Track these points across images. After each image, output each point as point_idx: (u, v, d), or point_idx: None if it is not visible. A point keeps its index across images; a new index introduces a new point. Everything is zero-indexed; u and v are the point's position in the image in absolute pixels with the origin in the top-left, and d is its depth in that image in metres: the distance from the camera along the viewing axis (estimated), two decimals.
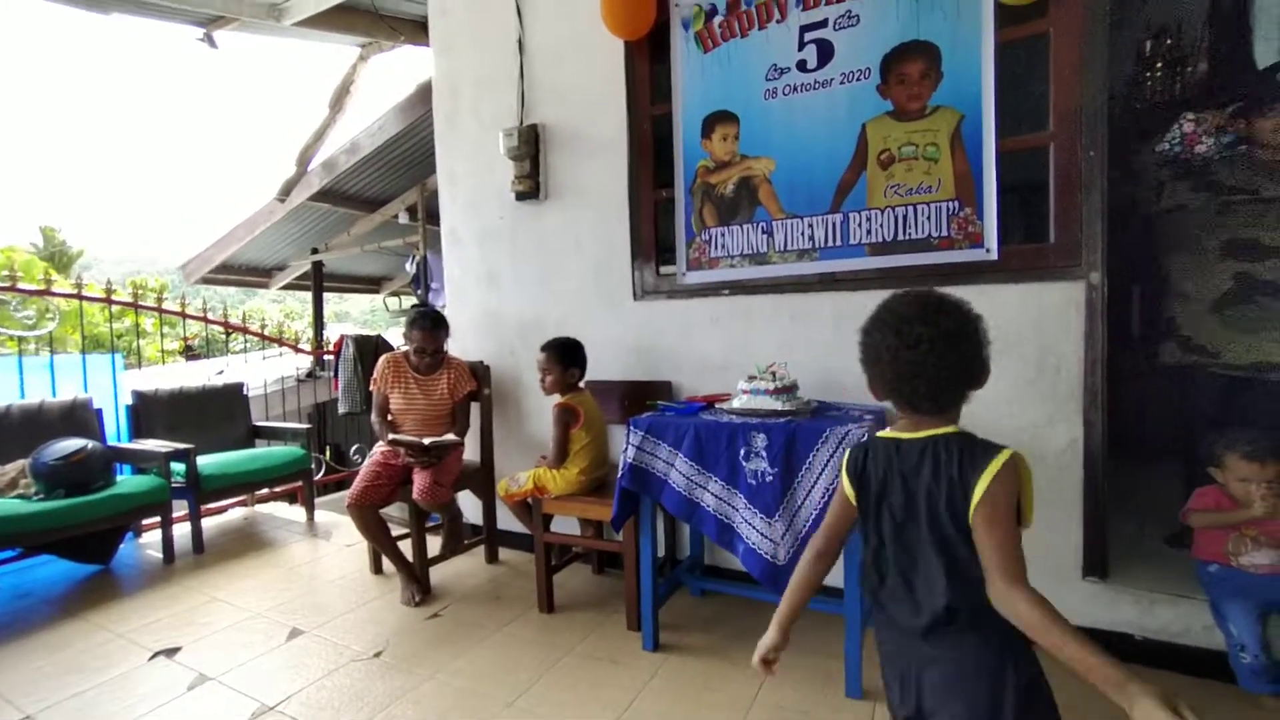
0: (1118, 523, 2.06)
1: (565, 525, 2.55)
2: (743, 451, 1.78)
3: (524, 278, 2.87)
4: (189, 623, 2.30)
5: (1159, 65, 3.21)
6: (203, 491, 3.06)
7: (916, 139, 2.03)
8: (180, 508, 3.06)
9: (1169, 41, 3.21)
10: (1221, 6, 2.99)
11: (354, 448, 4.58)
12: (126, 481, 2.84)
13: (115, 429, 3.35)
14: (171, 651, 2.08)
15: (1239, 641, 1.57)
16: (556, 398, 2.34)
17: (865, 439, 1.09)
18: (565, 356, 2.33)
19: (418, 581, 2.43)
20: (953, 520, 0.90)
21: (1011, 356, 1.94)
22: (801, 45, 2.19)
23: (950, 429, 0.97)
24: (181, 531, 3.08)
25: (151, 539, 3.22)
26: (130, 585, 2.68)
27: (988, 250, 1.96)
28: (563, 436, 2.26)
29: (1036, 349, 1.92)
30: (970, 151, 1.96)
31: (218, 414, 3.61)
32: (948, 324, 0.94)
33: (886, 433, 1.05)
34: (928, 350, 0.92)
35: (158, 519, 2.91)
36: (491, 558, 2.83)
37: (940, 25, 1.98)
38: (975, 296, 1.91)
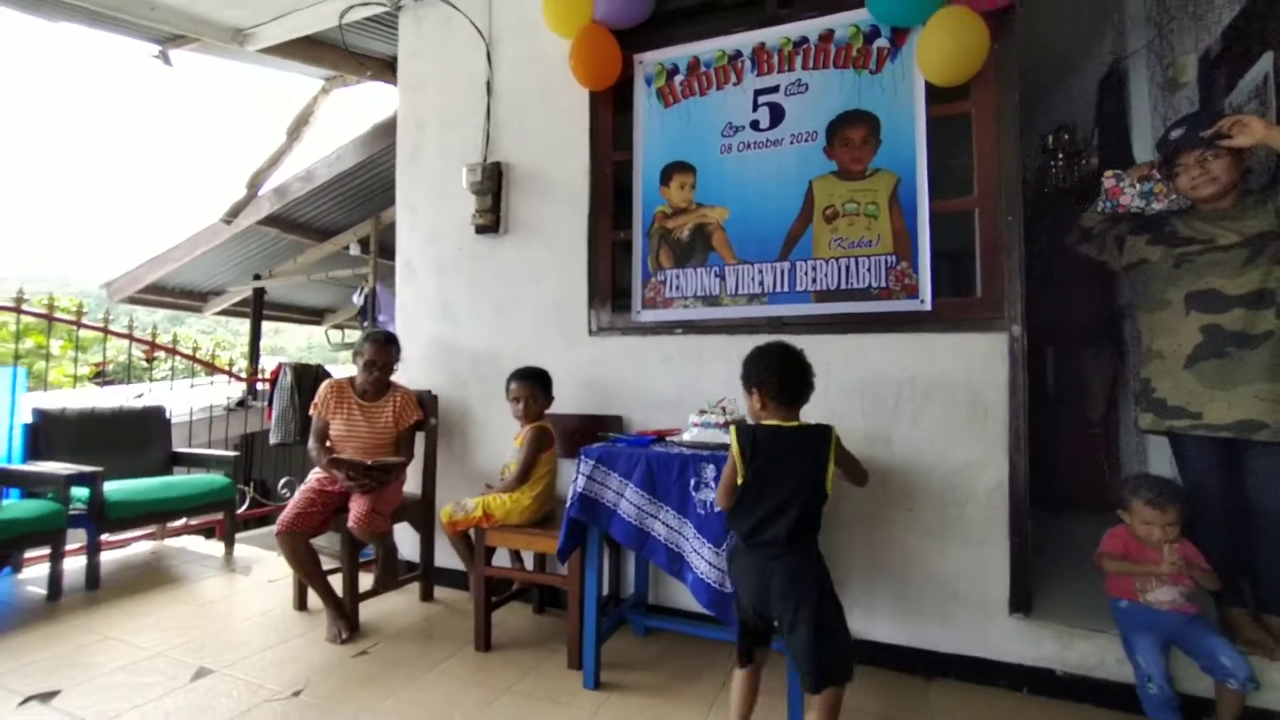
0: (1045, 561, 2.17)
1: (505, 562, 2.47)
2: (693, 482, 1.80)
3: (479, 310, 2.87)
4: (72, 664, 2.05)
5: (1060, 156, 3.64)
6: (108, 520, 2.78)
7: (858, 197, 2.21)
8: (76, 539, 2.77)
9: (1066, 137, 3.66)
10: (1105, 108, 3.44)
11: (283, 481, 4.30)
12: (12, 507, 2.57)
13: (8, 450, 3.05)
14: (47, 696, 1.85)
15: (1146, 673, 1.67)
16: (518, 428, 2.35)
17: (747, 424, 1.59)
18: (546, 385, 2.41)
19: (345, 617, 2.27)
20: (814, 475, 1.51)
21: (945, 401, 2.07)
22: (755, 106, 2.37)
23: (802, 423, 1.56)
24: (74, 566, 2.79)
25: (35, 574, 2.88)
26: (1, 624, 2.38)
27: (922, 301, 2.12)
28: (532, 458, 2.25)
29: (967, 394, 2.06)
30: (906, 211, 2.15)
31: (133, 438, 3.34)
32: (799, 353, 1.58)
33: (766, 422, 1.56)
34: (798, 363, 1.57)
35: (46, 550, 2.63)
36: (426, 595, 2.68)
37: (879, 98, 2.20)
38: (912, 343, 2.12)
